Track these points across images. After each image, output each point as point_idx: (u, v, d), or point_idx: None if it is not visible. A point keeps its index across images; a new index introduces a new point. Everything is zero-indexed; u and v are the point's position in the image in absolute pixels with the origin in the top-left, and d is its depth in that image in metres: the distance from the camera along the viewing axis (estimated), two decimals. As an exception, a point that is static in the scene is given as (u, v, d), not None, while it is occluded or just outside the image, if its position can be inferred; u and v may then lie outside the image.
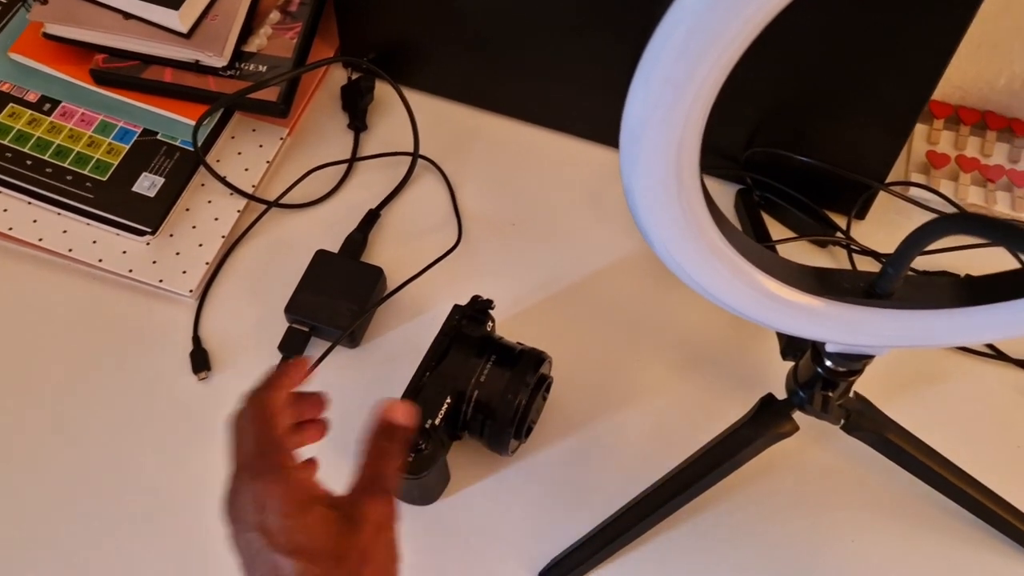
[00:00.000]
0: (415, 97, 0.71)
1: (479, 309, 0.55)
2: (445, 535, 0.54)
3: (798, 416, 0.51)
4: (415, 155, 0.68)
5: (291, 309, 0.59)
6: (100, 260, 0.62)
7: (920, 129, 0.70)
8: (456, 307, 0.55)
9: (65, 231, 0.62)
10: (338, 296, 0.59)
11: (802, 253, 0.65)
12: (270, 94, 0.66)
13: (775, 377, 0.60)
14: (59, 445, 0.56)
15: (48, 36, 0.65)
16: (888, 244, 0.61)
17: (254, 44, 0.67)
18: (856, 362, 0.46)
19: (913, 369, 0.61)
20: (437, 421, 0.51)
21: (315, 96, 0.72)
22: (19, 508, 0.54)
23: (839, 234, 0.65)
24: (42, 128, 0.64)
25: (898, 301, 0.41)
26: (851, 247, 0.64)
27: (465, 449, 0.57)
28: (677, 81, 0.31)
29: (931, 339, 0.42)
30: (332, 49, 0.73)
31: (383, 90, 0.72)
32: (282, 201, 0.66)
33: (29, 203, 0.63)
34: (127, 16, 0.64)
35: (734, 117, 0.63)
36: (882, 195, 0.66)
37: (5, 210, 0.62)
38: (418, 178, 0.68)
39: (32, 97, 0.66)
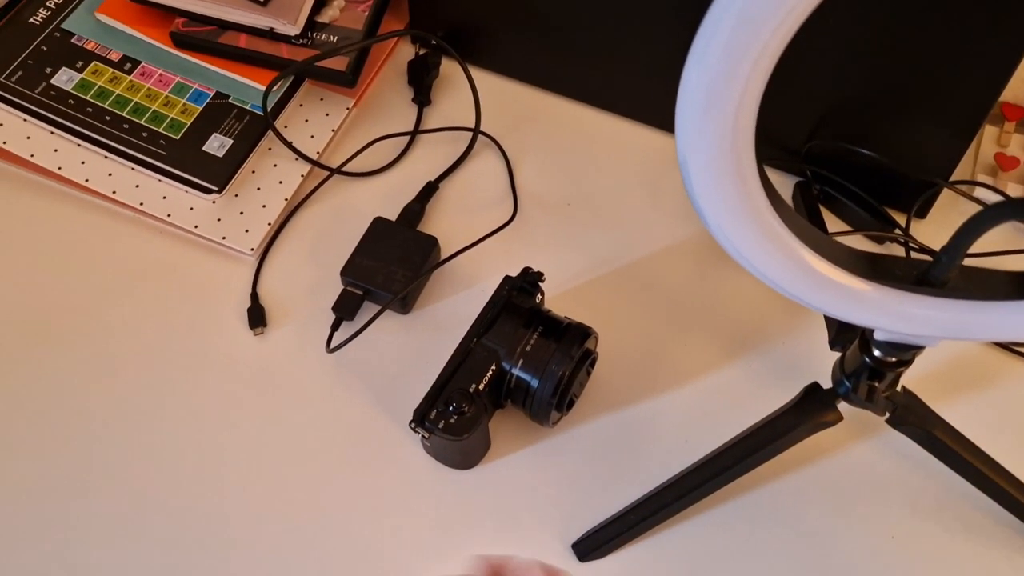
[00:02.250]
0: (480, 75, 0.73)
1: (530, 281, 0.55)
2: (482, 499, 0.55)
3: (843, 407, 0.50)
4: (476, 131, 0.69)
5: (347, 272, 0.61)
6: (169, 215, 0.64)
7: (990, 131, 0.69)
8: (507, 278, 0.56)
9: (137, 185, 0.65)
10: (393, 262, 0.61)
11: (858, 248, 0.64)
12: (339, 64, 0.67)
13: (822, 368, 0.59)
14: (117, 390, 0.59)
15: (133, -2, 0.68)
16: (948, 243, 0.60)
17: (327, 15, 0.69)
18: (905, 352, 0.45)
19: (964, 370, 0.60)
20: (481, 386, 0.52)
21: (382, 69, 0.73)
22: (73, 450, 0.57)
23: (897, 231, 0.64)
24: (122, 86, 0.67)
25: (951, 291, 0.41)
26: (909, 244, 0.63)
27: (508, 418, 0.57)
28: (736, 49, 0.31)
29: (983, 332, 0.42)
30: (402, 24, 0.74)
31: (448, 67, 0.73)
32: (345, 169, 0.68)
33: (106, 157, 0.65)
34: (208, -18, 0.66)
35: (796, 109, 0.63)
36: (944, 195, 0.65)
37: (83, 162, 0.65)
38: (478, 154, 0.69)
39: (114, 56, 0.69)
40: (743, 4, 0.30)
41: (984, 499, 0.54)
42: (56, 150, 0.65)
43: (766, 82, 0.33)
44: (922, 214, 0.65)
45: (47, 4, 0.70)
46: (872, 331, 0.45)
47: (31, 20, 0.69)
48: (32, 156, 0.65)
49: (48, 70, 0.67)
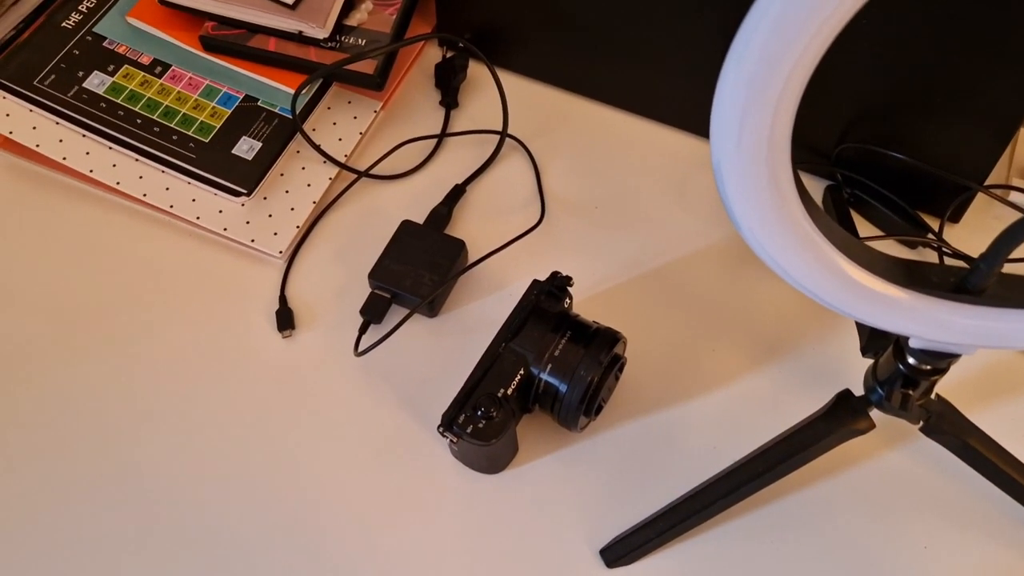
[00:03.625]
0: (507, 78, 0.73)
1: (558, 285, 0.55)
2: (510, 504, 0.55)
3: (876, 415, 0.50)
4: (503, 134, 0.69)
5: (374, 275, 0.61)
6: (198, 217, 0.65)
7: (1025, 134, 0.68)
8: (535, 282, 0.56)
9: (168, 188, 0.65)
10: (420, 266, 0.61)
11: (890, 253, 0.64)
12: (367, 67, 0.67)
13: (853, 375, 0.59)
14: (146, 391, 0.59)
15: (163, 2, 0.68)
16: (982, 249, 0.59)
17: (355, 18, 0.69)
18: (941, 360, 0.45)
19: (999, 377, 0.59)
20: (509, 391, 0.52)
21: (410, 72, 0.73)
22: (101, 450, 0.57)
23: (930, 236, 0.63)
24: (153, 90, 0.68)
25: (989, 299, 0.40)
26: (942, 249, 0.62)
27: (536, 423, 0.57)
28: (773, 59, 0.31)
29: (1023, 341, 0.41)
30: (429, 27, 0.74)
31: (476, 70, 0.73)
32: (372, 172, 0.68)
33: (137, 160, 0.66)
34: (237, -14, 0.67)
35: (827, 111, 0.62)
36: (979, 199, 0.64)
37: (114, 165, 0.66)
38: (505, 157, 0.69)
39: (145, 60, 0.69)
40: (780, 14, 0.29)
41: (1020, 509, 0.53)
42: (88, 153, 0.66)
43: (803, 90, 0.32)
44: (956, 218, 0.64)
45: (79, 8, 0.71)
46: (907, 339, 0.45)
47: (63, 24, 0.70)
48: (65, 159, 0.66)
49: (80, 74, 0.68)
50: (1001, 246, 0.38)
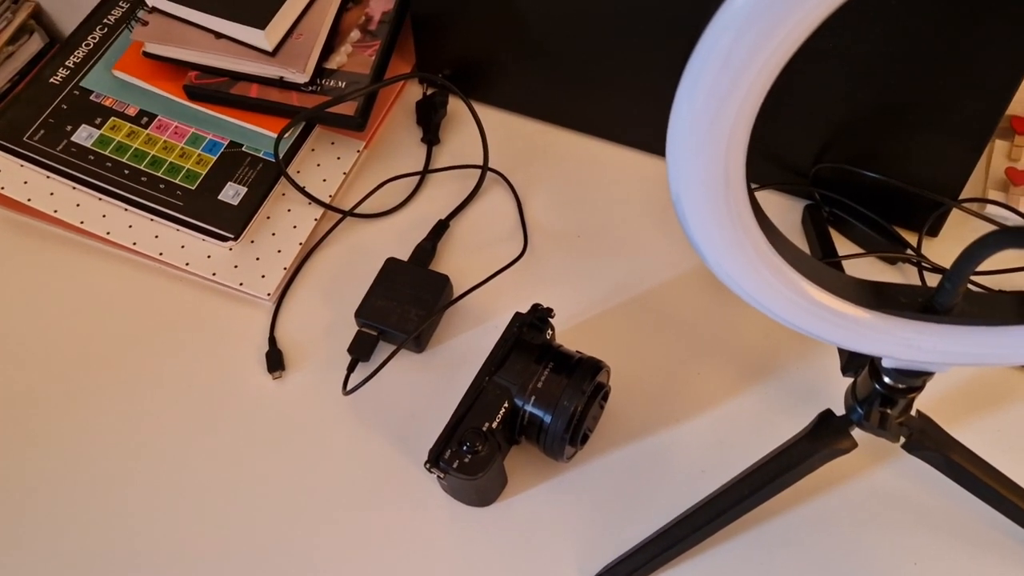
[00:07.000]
0: (486, 112, 0.74)
1: (539, 317, 0.56)
2: (500, 537, 0.55)
3: (858, 434, 0.50)
4: (484, 168, 0.70)
5: (361, 313, 0.61)
6: (187, 263, 0.66)
7: (1000, 145, 0.69)
8: (517, 314, 0.57)
9: (157, 236, 0.67)
10: (406, 302, 0.61)
11: (871, 270, 0.64)
12: (348, 108, 0.69)
13: (836, 394, 0.59)
14: (139, 436, 0.60)
15: (147, 55, 0.70)
16: (960, 262, 0.59)
17: (335, 61, 0.71)
18: (915, 378, 0.45)
19: (980, 390, 0.59)
20: (495, 424, 0.52)
21: (391, 111, 0.75)
22: (95, 493, 0.58)
23: (909, 251, 0.64)
24: (139, 140, 0.69)
25: (958, 317, 0.41)
26: (922, 264, 0.63)
27: (523, 454, 0.58)
28: (720, 92, 0.32)
29: (993, 357, 0.42)
30: (409, 66, 0.76)
31: (456, 105, 0.74)
32: (357, 211, 0.69)
33: (126, 209, 0.67)
34: (218, 36, 0.68)
35: (803, 131, 0.63)
36: (956, 212, 0.64)
37: (104, 216, 0.67)
38: (487, 190, 0.70)
39: (132, 111, 0.71)
40: (726, 51, 0.30)
41: (1006, 521, 0.53)
42: (78, 205, 0.67)
43: (753, 120, 0.33)
44: (934, 232, 0.65)
45: (66, 64, 0.73)
46: (880, 358, 0.45)
47: (51, 80, 0.72)
48: (56, 212, 0.67)
49: (68, 128, 0.69)
50: (964, 265, 0.38)
